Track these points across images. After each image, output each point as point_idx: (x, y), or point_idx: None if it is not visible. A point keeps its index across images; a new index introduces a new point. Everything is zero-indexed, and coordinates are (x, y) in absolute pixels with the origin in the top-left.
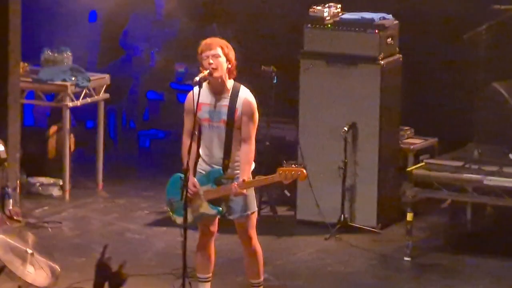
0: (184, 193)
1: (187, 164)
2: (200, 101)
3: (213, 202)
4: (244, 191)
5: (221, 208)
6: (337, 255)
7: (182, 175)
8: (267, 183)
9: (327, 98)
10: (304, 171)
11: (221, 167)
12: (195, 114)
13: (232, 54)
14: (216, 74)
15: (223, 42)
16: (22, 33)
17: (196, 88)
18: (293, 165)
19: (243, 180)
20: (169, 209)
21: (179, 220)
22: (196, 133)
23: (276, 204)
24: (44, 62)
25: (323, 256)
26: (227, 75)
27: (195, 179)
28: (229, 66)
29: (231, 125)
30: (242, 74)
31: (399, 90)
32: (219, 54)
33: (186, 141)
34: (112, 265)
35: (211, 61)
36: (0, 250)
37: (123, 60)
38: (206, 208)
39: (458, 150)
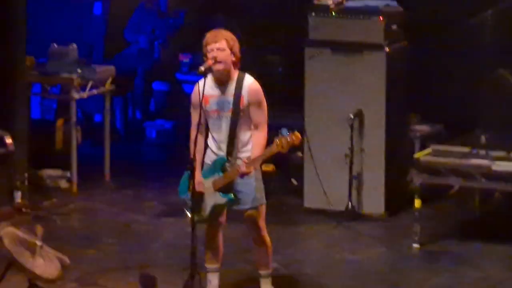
0: (191, 184)
1: (194, 154)
2: (206, 94)
3: (223, 191)
4: (250, 170)
5: (232, 195)
6: (345, 243)
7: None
8: (267, 156)
9: (332, 86)
10: (298, 134)
11: (225, 155)
12: (200, 105)
13: (237, 47)
14: (220, 67)
15: (229, 35)
16: (28, 26)
17: (201, 81)
18: (286, 133)
19: (247, 158)
20: (184, 208)
21: (197, 217)
22: (204, 125)
23: (284, 192)
24: (50, 55)
25: (331, 244)
26: (232, 66)
27: (201, 178)
28: (234, 59)
29: (237, 114)
30: (248, 63)
31: (404, 76)
32: (224, 47)
33: (193, 135)
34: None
35: (215, 54)
36: (9, 242)
37: (128, 52)
38: (217, 199)
39: (465, 136)
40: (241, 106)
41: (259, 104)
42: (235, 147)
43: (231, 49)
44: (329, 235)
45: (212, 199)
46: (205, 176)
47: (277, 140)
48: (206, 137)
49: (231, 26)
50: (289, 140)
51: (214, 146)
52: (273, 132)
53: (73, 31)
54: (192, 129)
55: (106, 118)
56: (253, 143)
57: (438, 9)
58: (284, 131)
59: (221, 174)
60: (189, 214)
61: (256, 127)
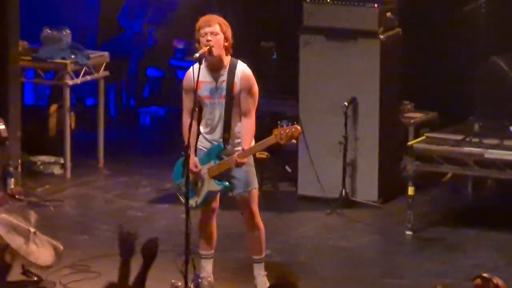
0: (186, 170)
1: (188, 141)
2: (199, 79)
3: (218, 178)
4: (246, 160)
5: (227, 183)
6: (339, 230)
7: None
8: (264, 147)
9: (327, 73)
10: (298, 127)
11: (221, 143)
12: (195, 92)
13: (229, 32)
14: (214, 52)
15: (221, 20)
16: (21, 11)
17: (195, 66)
18: (285, 125)
19: (243, 149)
20: (178, 194)
21: (190, 202)
22: (197, 110)
23: (278, 180)
24: (43, 40)
25: (324, 231)
26: (224, 52)
27: (196, 159)
28: (226, 44)
29: (231, 100)
30: (242, 50)
31: (399, 64)
32: (217, 31)
33: (186, 120)
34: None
35: (209, 38)
36: (3, 229)
37: (122, 38)
38: (212, 186)
39: (458, 124)
40: (234, 93)
41: (249, 91)
42: (231, 134)
43: (224, 34)
44: (322, 222)
45: (207, 186)
46: (200, 162)
47: (275, 131)
48: (199, 122)
49: (225, 13)
50: (288, 132)
51: (208, 133)
52: (271, 122)
53: (67, 16)
54: (184, 115)
55: (100, 104)
56: (243, 131)
57: None
58: (284, 122)
59: (217, 161)
60: (182, 200)
61: (245, 114)
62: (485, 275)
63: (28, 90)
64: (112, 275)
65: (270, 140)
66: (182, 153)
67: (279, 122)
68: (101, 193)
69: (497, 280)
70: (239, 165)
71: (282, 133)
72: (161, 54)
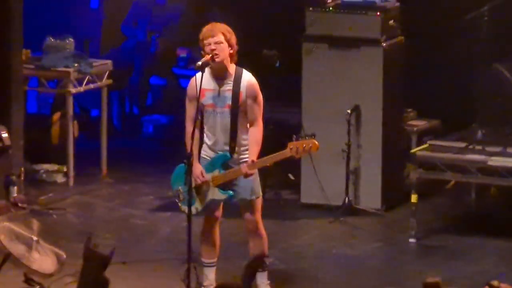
0: (188, 178)
1: (191, 149)
2: (203, 87)
3: (223, 187)
4: (255, 171)
5: (232, 192)
6: (342, 237)
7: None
8: (277, 160)
9: (330, 81)
10: (316, 142)
11: (227, 152)
12: (198, 100)
13: (234, 39)
14: (218, 60)
15: (225, 28)
16: (24, 20)
17: (198, 74)
18: (303, 138)
19: (252, 160)
20: (177, 200)
21: (193, 210)
22: (199, 118)
23: (280, 187)
24: (46, 49)
25: (327, 239)
26: (229, 60)
27: (202, 168)
28: (231, 51)
29: (236, 109)
30: (245, 58)
31: (401, 72)
32: (221, 40)
33: (189, 128)
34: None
35: (213, 47)
36: (6, 237)
37: (125, 46)
38: (216, 194)
39: (461, 131)
40: (239, 103)
41: (255, 99)
42: (237, 142)
43: (228, 42)
44: (325, 230)
45: (210, 194)
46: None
47: (290, 145)
48: (202, 130)
49: (228, 21)
50: (305, 147)
51: (211, 141)
52: (274, 130)
53: (70, 25)
54: (187, 122)
55: (103, 112)
56: (250, 140)
57: (434, 5)
58: (300, 136)
59: (222, 171)
60: (181, 206)
61: (252, 123)
62: (493, 282)
63: (31, 98)
64: (114, 283)
65: (284, 154)
66: (185, 161)
67: (294, 136)
68: (104, 202)
69: (506, 287)
70: (247, 176)
71: (298, 147)
72: (164, 62)
